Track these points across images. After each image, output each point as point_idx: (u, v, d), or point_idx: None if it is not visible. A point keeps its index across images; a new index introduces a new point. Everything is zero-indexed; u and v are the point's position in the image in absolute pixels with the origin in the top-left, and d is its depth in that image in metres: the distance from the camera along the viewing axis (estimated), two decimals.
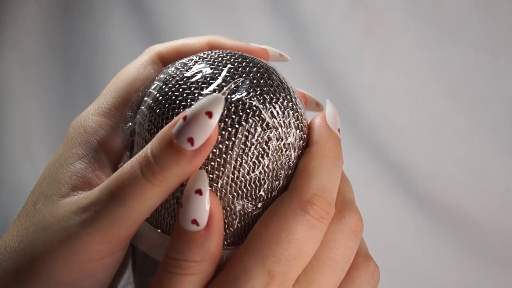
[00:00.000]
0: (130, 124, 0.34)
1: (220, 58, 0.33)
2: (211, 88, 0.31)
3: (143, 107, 0.33)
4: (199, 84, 0.32)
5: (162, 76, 0.33)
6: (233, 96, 0.31)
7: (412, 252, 0.80)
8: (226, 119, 0.30)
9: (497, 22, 0.79)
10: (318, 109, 0.42)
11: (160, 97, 0.32)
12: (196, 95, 0.31)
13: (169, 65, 0.34)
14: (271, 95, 0.32)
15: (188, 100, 0.31)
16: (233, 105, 0.31)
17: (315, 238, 0.30)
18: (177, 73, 0.33)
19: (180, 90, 0.32)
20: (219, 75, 0.32)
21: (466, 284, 0.78)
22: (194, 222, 0.29)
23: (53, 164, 0.34)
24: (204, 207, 0.29)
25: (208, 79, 0.32)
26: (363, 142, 0.82)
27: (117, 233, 0.30)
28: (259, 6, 0.83)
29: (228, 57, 0.33)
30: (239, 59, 0.33)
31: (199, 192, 0.29)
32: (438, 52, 0.81)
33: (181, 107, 0.31)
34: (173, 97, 0.31)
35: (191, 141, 0.28)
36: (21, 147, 0.82)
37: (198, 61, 0.33)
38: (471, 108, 0.81)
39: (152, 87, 0.33)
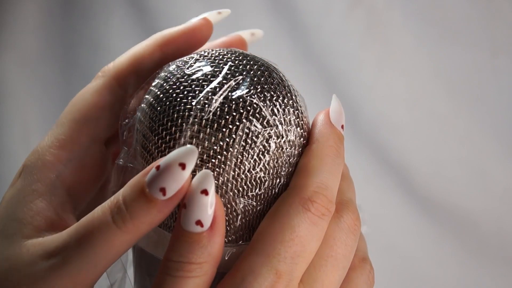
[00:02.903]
0: (127, 120, 0.34)
1: (221, 56, 0.33)
2: (212, 85, 0.31)
3: (143, 104, 0.33)
4: (200, 81, 0.32)
5: (163, 74, 0.33)
6: (233, 93, 0.31)
7: (412, 252, 0.80)
8: (227, 117, 0.30)
9: (497, 22, 0.79)
10: (254, 38, 0.41)
11: (161, 95, 0.32)
12: (197, 92, 0.31)
13: (170, 63, 0.34)
14: (272, 93, 0.32)
15: (189, 98, 0.31)
16: (233, 102, 0.31)
17: (317, 235, 0.30)
18: (178, 70, 0.33)
19: (181, 87, 0.32)
20: (220, 73, 0.32)
21: (466, 284, 0.78)
22: (199, 223, 0.28)
23: (11, 199, 0.33)
24: (209, 207, 0.29)
25: (209, 76, 0.32)
26: (363, 142, 0.82)
27: (85, 278, 0.29)
28: (259, 6, 0.83)
29: (229, 55, 0.33)
30: (240, 57, 0.33)
31: (205, 192, 0.28)
32: (438, 52, 0.81)
33: (182, 104, 0.31)
34: (174, 95, 0.31)
35: (163, 191, 0.28)
36: (21, 147, 0.82)
37: (199, 59, 0.33)
38: (471, 108, 0.81)
39: (153, 84, 0.33)
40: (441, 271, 0.79)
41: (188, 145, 0.29)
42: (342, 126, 0.34)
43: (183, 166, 0.28)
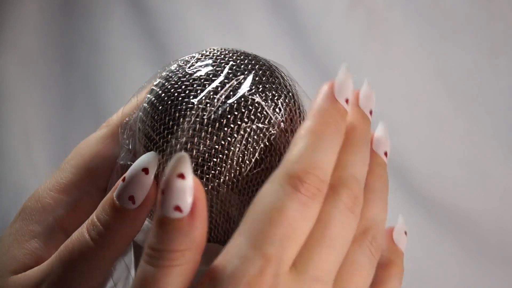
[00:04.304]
0: (128, 118, 0.34)
1: (222, 56, 0.33)
2: (214, 84, 0.31)
3: (145, 104, 0.33)
4: (202, 81, 0.32)
5: (164, 73, 0.33)
6: (235, 92, 0.31)
7: (412, 252, 0.79)
8: (229, 116, 0.30)
9: (497, 22, 0.80)
10: None
11: (163, 94, 0.32)
12: (198, 92, 0.31)
13: (171, 62, 0.34)
14: (273, 92, 0.32)
15: (191, 97, 0.31)
16: (235, 102, 0.31)
17: (308, 216, 0.28)
18: (179, 70, 0.33)
19: (183, 86, 0.32)
20: (222, 72, 0.32)
21: (466, 284, 0.78)
22: (177, 208, 0.27)
23: (9, 236, 0.34)
24: (187, 192, 0.27)
25: (210, 76, 0.32)
26: None
27: None
28: (259, 6, 0.83)
29: (230, 54, 0.33)
30: (241, 57, 0.33)
31: (181, 176, 0.27)
32: (438, 52, 0.81)
33: (184, 103, 0.31)
34: (176, 94, 0.31)
35: (132, 199, 0.30)
36: (21, 147, 0.82)
37: (201, 59, 0.33)
38: (471, 108, 0.81)
39: (154, 84, 0.33)
40: (441, 271, 0.79)
41: (149, 152, 0.31)
42: (371, 112, 0.32)
43: (146, 171, 0.30)
